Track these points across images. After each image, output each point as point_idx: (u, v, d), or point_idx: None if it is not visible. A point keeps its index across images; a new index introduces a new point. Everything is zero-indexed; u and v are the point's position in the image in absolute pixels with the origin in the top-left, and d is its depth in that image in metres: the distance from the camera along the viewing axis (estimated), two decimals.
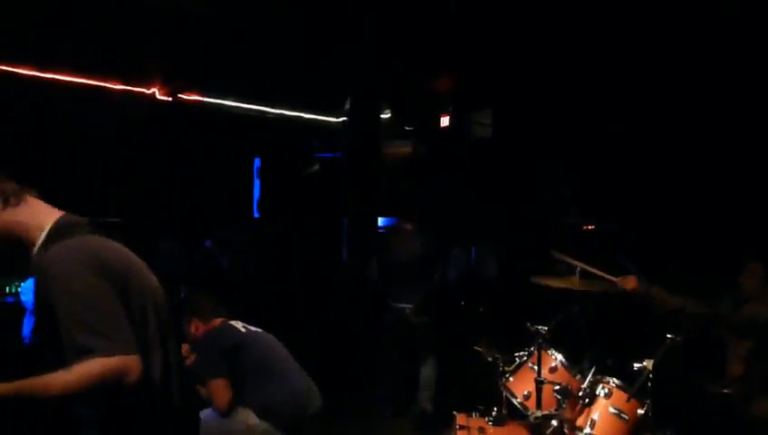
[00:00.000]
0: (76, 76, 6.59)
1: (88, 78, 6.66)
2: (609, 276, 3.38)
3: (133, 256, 1.86)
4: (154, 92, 7.25)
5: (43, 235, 1.77)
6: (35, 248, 1.78)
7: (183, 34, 6.59)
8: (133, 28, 6.33)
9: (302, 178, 7.65)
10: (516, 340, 3.80)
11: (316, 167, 7.71)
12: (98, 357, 1.58)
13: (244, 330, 3.46)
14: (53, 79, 6.45)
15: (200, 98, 7.63)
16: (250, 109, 7.81)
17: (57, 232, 1.76)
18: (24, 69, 6.26)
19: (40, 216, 1.82)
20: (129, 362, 1.61)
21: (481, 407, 4.49)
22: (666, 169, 6.36)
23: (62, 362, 1.62)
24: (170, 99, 7.34)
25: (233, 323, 3.50)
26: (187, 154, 7.08)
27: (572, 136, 7.37)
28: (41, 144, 6.15)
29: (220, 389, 3.22)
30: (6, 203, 1.80)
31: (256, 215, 7.60)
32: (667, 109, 6.38)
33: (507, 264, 7.91)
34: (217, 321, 3.53)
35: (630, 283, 3.26)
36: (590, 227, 7.29)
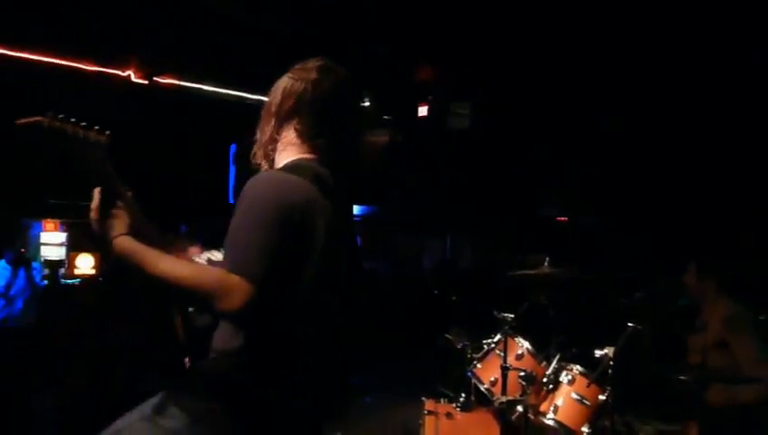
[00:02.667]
0: (49, 56, 6.48)
1: (61, 58, 6.55)
2: None
3: (317, 198, 1.75)
4: (129, 75, 7.16)
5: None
6: None
7: (160, 16, 6.52)
8: (109, 8, 6.24)
9: None
10: (487, 328, 3.87)
11: None
12: (225, 269, 1.56)
13: None
14: (25, 58, 6.34)
15: (177, 81, 7.55)
16: (228, 93, 7.76)
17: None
18: None
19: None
20: (237, 286, 1.53)
21: (449, 393, 4.59)
22: (641, 164, 6.47)
23: None
24: (146, 82, 7.26)
25: None
26: (162, 138, 7.02)
27: (549, 129, 7.45)
28: (10, 125, 6.07)
29: None
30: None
31: (231, 201, 7.57)
32: (645, 105, 6.47)
33: (482, 254, 8.01)
34: None
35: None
36: (563, 220, 7.40)
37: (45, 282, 6.43)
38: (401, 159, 8.53)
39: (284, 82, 1.93)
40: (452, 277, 7.90)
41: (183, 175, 7.12)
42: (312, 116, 1.86)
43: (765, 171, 5.37)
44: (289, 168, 1.79)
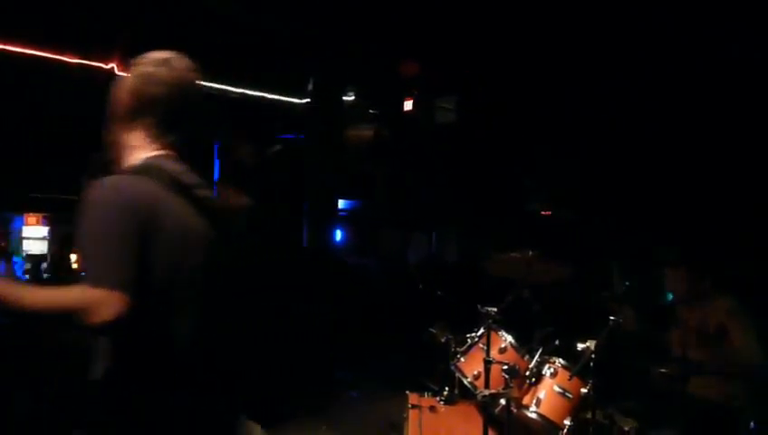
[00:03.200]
0: (31, 48, 6.40)
1: (43, 51, 6.48)
2: None
3: (168, 199, 1.73)
4: (112, 67, 7.10)
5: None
6: None
7: (143, 8, 6.46)
8: (95, 2, 6.18)
9: (264, 159, 7.61)
10: (470, 322, 3.88)
11: (278, 148, 7.67)
12: (85, 285, 1.53)
13: None
14: (5, 50, 6.26)
15: None
16: (211, 87, 7.71)
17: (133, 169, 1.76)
18: None
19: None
20: (104, 297, 1.52)
21: (434, 387, 4.61)
22: (625, 160, 6.51)
23: None
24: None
25: None
26: None
27: (534, 124, 7.48)
28: None
29: None
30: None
31: (215, 196, 7.50)
32: (632, 100, 6.51)
33: (467, 248, 8.03)
34: None
35: None
36: (547, 213, 7.44)
37: (27, 277, 6.37)
38: (386, 153, 8.54)
39: (126, 80, 1.86)
40: (437, 272, 7.92)
41: None
42: (157, 112, 1.80)
43: (754, 168, 5.42)
44: (135, 169, 1.76)
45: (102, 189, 1.65)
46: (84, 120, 6.77)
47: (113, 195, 1.64)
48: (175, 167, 1.78)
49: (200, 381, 1.76)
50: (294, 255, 7.07)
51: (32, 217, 6.99)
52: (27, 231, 6.93)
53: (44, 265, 6.81)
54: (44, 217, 6.98)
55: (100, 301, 1.52)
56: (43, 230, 7.01)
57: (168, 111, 1.81)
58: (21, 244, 6.83)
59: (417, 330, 5.55)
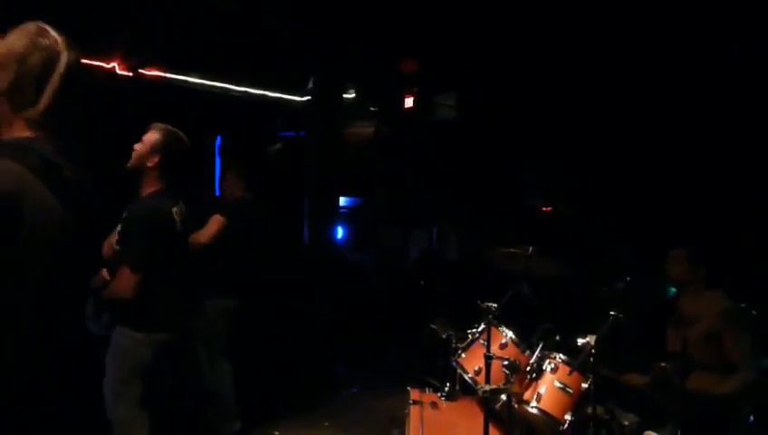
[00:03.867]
0: None
1: None
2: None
3: (36, 187, 1.57)
4: (114, 67, 7.09)
5: None
6: None
7: (145, 7, 6.46)
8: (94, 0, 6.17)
9: (265, 157, 7.62)
10: (471, 317, 3.90)
11: (279, 146, 7.68)
12: None
13: None
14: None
15: (162, 73, 7.49)
16: (213, 86, 7.71)
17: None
18: None
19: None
20: None
21: (435, 382, 4.63)
22: (627, 155, 6.51)
23: None
24: (131, 74, 7.20)
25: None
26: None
27: (535, 120, 7.48)
28: None
29: None
30: None
31: (217, 193, 7.54)
32: (629, 97, 6.51)
33: (468, 244, 8.04)
34: None
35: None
36: (547, 210, 7.44)
37: None
38: (387, 151, 8.54)
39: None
40: (437, 268, 7.94)
41: None
42: (24, 87, 1.64)
43: (757, 165, 5.43)
44: (3, 146, 1.61)
45: None
46: (85, 119, 6.80)
47: None
48: (43, 147, 1.64)
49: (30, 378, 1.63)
50: (295, 252, 7.09)
51: None
52: None
53: None
54: None
55: None
56: None
57: (36, 86, 1.65)
58: None
59: (417, 326, 5.58)
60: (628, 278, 3.63)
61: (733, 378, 3.28)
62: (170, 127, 3.32)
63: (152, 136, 3.25)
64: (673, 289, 3.81)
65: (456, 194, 8.16)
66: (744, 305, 3.61)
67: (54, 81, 1.67)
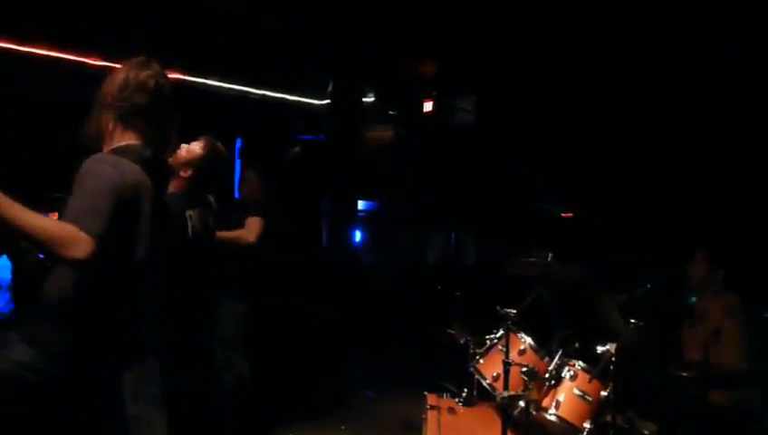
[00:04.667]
0: (54, 51, 6.49)
1: (67, 53, 6.56)
2: None
3: (144, 181, 2.06)
4: None
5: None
6: None
7: (165, 10, 6.51)
8: (114, 2, 6.24)
9: (284, 160, 7.63)
10: (489, 323, 3.87)
11: (297, 149, 7.69)
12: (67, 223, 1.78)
13: None
14: (31, 53, 6.35)
15: (181, 76, 7.56)
16: (232, 89, 7.76)
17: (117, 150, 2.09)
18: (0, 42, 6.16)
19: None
20: (81, 238, 1.76)
21: (452, 388, 4.60)
22: (643, 159, 6.45)
23: None
24: None
25: None
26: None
27: (554, 124, 7.43)
28: (17, 120, 6.08)
29: None
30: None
31: (237, 196, 7.58)
32: (646, 101, 6.46)
33: (486, 250, 8.00)
34: None
35: None
36: (567, 215, 7.38)
37: None
38: (405, 154, 8.53)
39: (117, 74, 2.21)
40: (455, 273, 7.91)
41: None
42: (140, 106, 2.12)
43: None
44: (120, 150, 2.08)
45: (100, 163, 1.97)
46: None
47: (110, 170, 1.94)
48: (150, 156, 2.12)
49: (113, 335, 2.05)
50: (312, 255, 7.10)
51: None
52: None
53: None
54: None
55: (79, 239, 1.76)
56: None
57: (148, 106, 2.14)
58: None
59: (434, 331, 5.55)
60: (648, 285, 3.60)
61: (750, 387, 3.23)
62: (217, 144, 3.41)
63: (194, 150, 3.32)
64: (693, 298, 3.77)
65: (474, 198, 8.12)
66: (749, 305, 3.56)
67: (158, 110, 2.18)
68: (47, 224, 1.76)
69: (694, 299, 3.77)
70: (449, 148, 8.54)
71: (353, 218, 7.45)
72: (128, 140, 2.13)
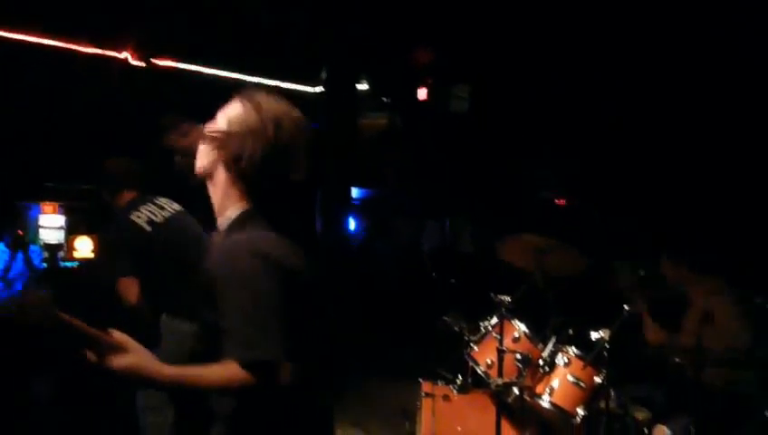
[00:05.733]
0: (45, 37, 6.44)
1: (57, 39, 6.51)
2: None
3: (295, 253, 1.76)
4: (126, 57, 7.12)
5: (231, 219, 1.73)
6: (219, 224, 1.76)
7: None
8: None
9: None
10: (484, 310, 3.88)
11: None
12: (250, 357, 1.54)
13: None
14: (21, 40, 6.29)
15: (175, 63, 7.51)
16: (226, 76, 7.71)
17: (243, 221, 1.71)
18: None
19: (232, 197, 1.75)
20: (283, 372, 1.56)
21: (447, 375, 4.61)
22: (638, 150, 6.46)
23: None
24: (143, 64, 7.22)
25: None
26: (157, 120, 6.98)
27: (548, 112, 7.43)
28: (6, 107, 6.03)
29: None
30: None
31: None
32: (641, 91, 6.45)
33: (481, 237, 8.01)
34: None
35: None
36: (562, 202, 7.39)
37: (44, 265, 6.43)
38: (400, 142, 8.52)
39: (238, 111, 1.76)
40: (450, 260, 7.92)
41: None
42: (266, 160, 1.70)
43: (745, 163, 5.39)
44: (253, 222, 1.72)
45: (247, 254, 1.60)
46: (98, 109, 6.84)
47: (260, 260, 1.59)
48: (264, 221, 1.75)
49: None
50: (307, 243, 7.09)
51: (48, 206, 7.02)
52: (44, 220, 6.96)
53: (61, 253, 6.87)
54: (61, 206, 7.01)
55: (255, 378, 1.52)
56: (60, 219, 7.03)
57: (276, 162, 1.72)
58: (38, 233, 6.87)
59: (429, 318, 5.56)
60: (642, 272, 3.62)
61: (743, 369, 3.24)
62: None
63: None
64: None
65: (469, 186, 8.12)
66: (749, 292, 3.58)
67: (284, 158, 1.75)
68: (234, 375, 1.53)
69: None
70: (444, 135, 8.53)
71: (348, 206, 7.43)
72: (242, 202, 1.75)
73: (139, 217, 3.26)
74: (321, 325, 1.82)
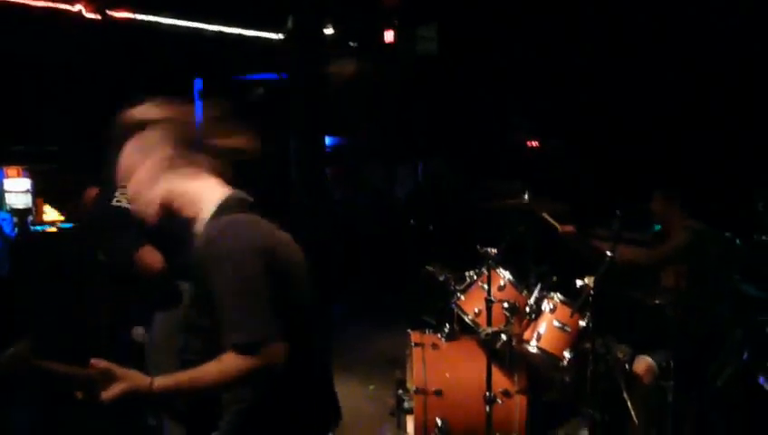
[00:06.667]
0: None
1: None
2: (553, 222, 3.59)
3: (279, 234, 1.82)
4: (80, 10, 6.79)
5: (212, 209, 1.75)
6: (199, 222, 1.76)
7: None
8: None
9: (247, 103, 7.44)
10: (466, 259, 3.96)
11: (260, 90, 7.49)
12: (249, 342, 1.59)
13: None
14: None
15: (131, 15, 7.19)
16: (186, 26, 7.42)
17: (225, 208, 1.74)
18: None
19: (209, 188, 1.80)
20: (277, 351, 1.60)
21: (432, 321, 4.74)
22: (611, 92, 6.47)
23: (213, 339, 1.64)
24: (98, 16, 6.90)
25: None
26: (119, 76, 6.74)
27: (518, 52, 7.38)
28: None
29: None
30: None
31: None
32: (615, 34, 6.42)
33: (454, 181, 8.06)
34: None
35: (568, 229, 3.52)
36: (534, 144, 7.45)
37: (16, 231, 6.30)
38: (369, 87, 8.40)
39: (127, 152, 1.86)
40: (425, 206, 7.98)
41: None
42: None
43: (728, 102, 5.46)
44: (230, 204, 1.77)
45: (229, 237, 1.65)
46: (55, 66, 6.56)
47: (242, 242, 1.65)
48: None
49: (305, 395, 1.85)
50: (283, 194, 7.06)
51: (12, 170, 6.81)
52: (9, 184, 6.75)
53: (30, 218, 6.72)
54: (25, 170, 6.80)
55: (257, 363, 1.58)
56: (26, 183, 6.84)
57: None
58: (4, 198, 6.68)
59: (410, 266, 5.66)
60: (618, 212, 3.72)
61: (717, 307, 3.42)
62: None
63: None
64: (657, 226, 3.93)
65: (440, 129, 8.11)
66: (727, 234, 3.73)
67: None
68: (233, 367, 1.59)
69: (658, 227, 3.93)
70: (413, 78, 8.42)
71: (320, 155, 7.36)
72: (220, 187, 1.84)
73: (118, 202, 3.28)
74: (310, 302, 1.86)
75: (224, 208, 1.74)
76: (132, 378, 1.59)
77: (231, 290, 1.61)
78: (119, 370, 1.59)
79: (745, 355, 3.13)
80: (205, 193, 1.79)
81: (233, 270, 1.61)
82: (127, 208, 3.20)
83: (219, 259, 1.62)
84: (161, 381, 1.60)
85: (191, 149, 1.83)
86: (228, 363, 1.59)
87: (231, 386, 1.68)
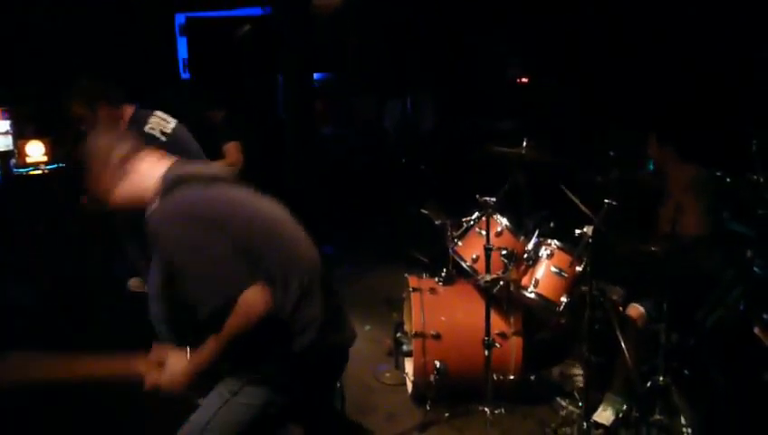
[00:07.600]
0: None
1: None
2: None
3: (222, 193, 2.03)
4: None
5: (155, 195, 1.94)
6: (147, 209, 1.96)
7: None
8: None
9: (234, 40, 7.19)
10: (460, 201, 3.97)
11: (247, 27, 7.23)
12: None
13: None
14: None
15: None
16: None
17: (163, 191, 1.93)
18: None
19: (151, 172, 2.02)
20: (255, 296, 1.80)
21: (424, 259, 4.78)
22: (602, 25, 6.30)
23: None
24: None
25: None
26: (100, 12, 6.45)
27: None
28: None
29: None
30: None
31: (185, 76, 7.18)
32: None
33: (443, 115, 7.97)
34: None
35: None
36: (524, 81, 7.34)
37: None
38: (356, 20, 8.15)
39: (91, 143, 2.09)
40: (414, 140, 7.91)
41: (128, 50, 6.66)
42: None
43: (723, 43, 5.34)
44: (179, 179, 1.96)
45: (176, 215, 1.87)
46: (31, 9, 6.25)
47: (188, 216, 1.87)
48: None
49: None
50: (273, 131, 6.96)
51: None
52: None
53: (13, 160, 6.57)
54: (4, 111, 6.59)
55: (251, 304, 1.79)
56: (5, 124, 6.64)
57: None
58: None
59: (404, 205, 5.67)
60: (611, 153, 3.72)
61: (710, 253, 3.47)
62: None
63: None
64: (651, 166, 3.94)
65: (430, 61, 7.94)
66: (717, 173, 3.76)
67: None
68: (232, 328, 1.80)
69: (651, 167, 3.94)
70: (400, 10, 8.17)
71: (309, 90, 7.20)
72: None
73: (152, 129, 3.44)
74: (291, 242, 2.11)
75: (167, 189, 1.91)
76: (180, 355, 1.87)
77: (187, 272, 1.83)
78: (164, 353, 1.89)
79: (742, 306, 3.21)
80: (144, 180, 1.98)
81: (177, 254, 1.83)
82: (157, 139, 3.35)
83: (164, 249, 1.89)
84: (205, 348, 1.84)
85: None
86: (231, 323, 1.80)
87: (240, 341, 1.83)
